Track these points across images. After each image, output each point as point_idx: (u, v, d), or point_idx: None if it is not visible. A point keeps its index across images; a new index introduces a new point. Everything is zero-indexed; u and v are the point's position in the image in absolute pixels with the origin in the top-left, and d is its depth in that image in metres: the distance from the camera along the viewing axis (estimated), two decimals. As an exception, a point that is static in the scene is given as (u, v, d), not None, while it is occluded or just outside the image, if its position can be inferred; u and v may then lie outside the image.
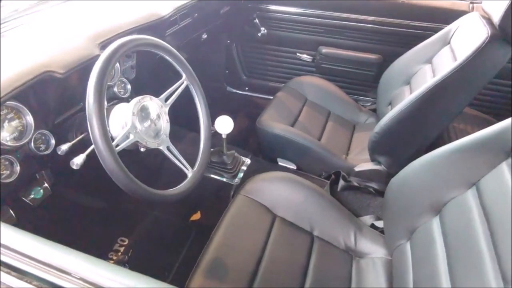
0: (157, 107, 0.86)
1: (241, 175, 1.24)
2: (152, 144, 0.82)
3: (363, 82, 1.78)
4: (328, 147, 1.34)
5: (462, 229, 0.69)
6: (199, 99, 0.97)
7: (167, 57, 0.91)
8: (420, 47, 1.37)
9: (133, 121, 0.78)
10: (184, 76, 0.94)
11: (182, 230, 1.30)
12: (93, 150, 0.73)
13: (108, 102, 0.91)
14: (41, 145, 0.85)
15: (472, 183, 0.72)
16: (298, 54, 1.82)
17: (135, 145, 0.83)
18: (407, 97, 1.28)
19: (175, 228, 1.32)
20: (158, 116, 0.85)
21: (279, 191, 1.05)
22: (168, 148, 0.87)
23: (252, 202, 1.02)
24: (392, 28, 1.60)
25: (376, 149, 1.21)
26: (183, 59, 0.93)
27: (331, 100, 1.60)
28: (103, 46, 0.89)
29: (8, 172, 0.78)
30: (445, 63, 1.17)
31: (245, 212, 1.00)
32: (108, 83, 0.98)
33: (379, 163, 1.25)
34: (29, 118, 0.80)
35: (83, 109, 0.96)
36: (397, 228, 0.90)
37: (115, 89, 1.03)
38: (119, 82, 1.06)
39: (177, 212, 1.33)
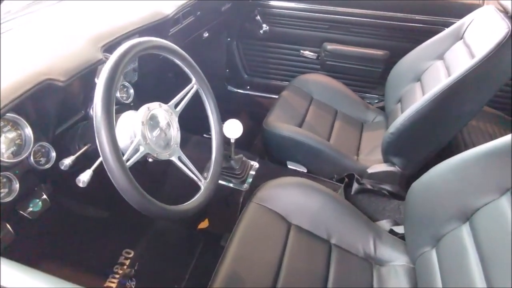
0: (167, 114, 0.80)
1: (250, 180, 1.19)
2: (163, 155, 0.76)
3: (369, 79, 1.73)
4: (338, 148, 1.30)
5: (498, 238, 0.65)
6: (210, 104, 0.91)
7: (176, 60, 0.84)
8: (429, 43, 1.33)
9: (142, 132, 0.72)
10: (194, 80, 0.87)
11: (190, 239, 1.25)
12: (100, 165, 0.67)
13: None
14: (41, 159, 0.78)
15: (506, 188, 0.68)
16: (301, 51, 1.77)
17: (144, 156, 0.77)
18: (419, 95, 1.25)
19: (182, 238, 1.27)
20: (168, 125, 0.79)
21: (293, 198, 1.01)
22: (179, 159, 0.81)
23: (265, 210, 0.97)
24: (399, 23, 1.56)
25: (390, 150, 1.17)
26: (193, 62, 0.87)
27: (337, 98, 1.55)
28: (106, 49, 0.82)
29: (6, 190, 0.72)
30: (460, 59, 1.13)
31: (259, 221, 0.95)
32: None
33: (393, 164, 1.21)
34: (28, 131, 0.73)
35: (85, 117, 0.90)
36: (420, 235, 0.86)
37: (118, 94, 0.97)
38: (121, 86, 0.99)
39: (183, 221, 1.27)
